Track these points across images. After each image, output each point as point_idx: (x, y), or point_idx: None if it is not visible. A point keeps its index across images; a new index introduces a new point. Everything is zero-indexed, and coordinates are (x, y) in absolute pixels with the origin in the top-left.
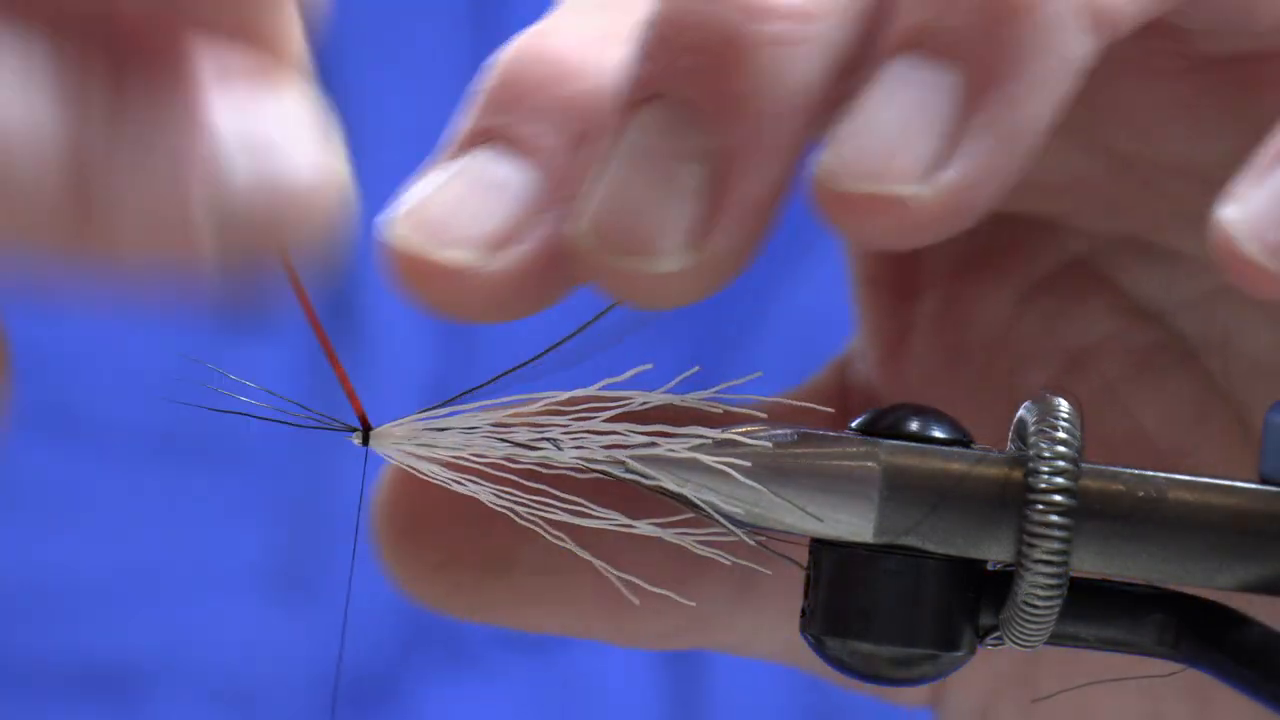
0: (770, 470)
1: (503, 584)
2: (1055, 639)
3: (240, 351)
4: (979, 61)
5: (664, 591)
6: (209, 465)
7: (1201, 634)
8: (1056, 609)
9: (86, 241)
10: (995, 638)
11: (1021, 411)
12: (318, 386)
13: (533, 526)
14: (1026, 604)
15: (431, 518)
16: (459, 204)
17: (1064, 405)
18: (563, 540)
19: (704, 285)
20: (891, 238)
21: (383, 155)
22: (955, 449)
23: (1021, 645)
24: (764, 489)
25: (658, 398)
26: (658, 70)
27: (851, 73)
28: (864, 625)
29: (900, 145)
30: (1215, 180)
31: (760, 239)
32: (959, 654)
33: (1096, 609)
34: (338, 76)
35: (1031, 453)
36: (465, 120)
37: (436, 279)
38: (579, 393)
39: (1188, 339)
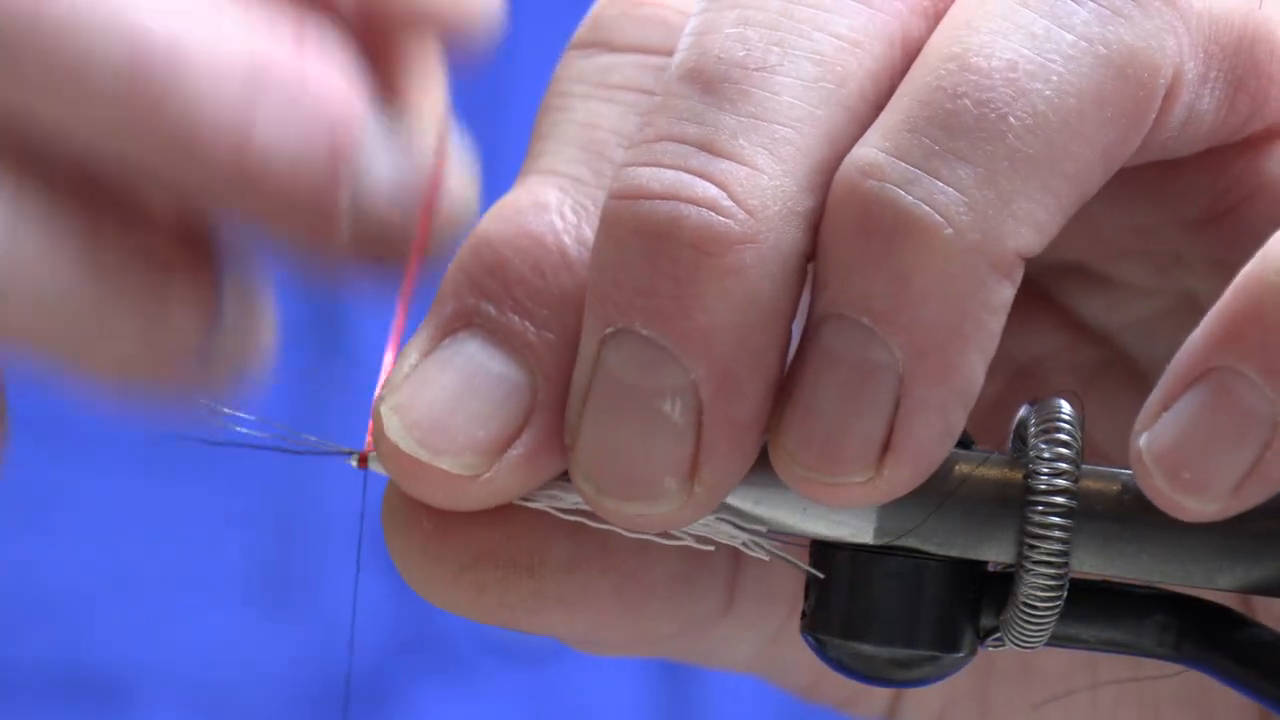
0: (771, 473)
1: (530, 585)
2: (1056, 640)
3: None
4: (908, 341)
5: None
6: (195, 472)
7: (1203, 635)
8: (1057, 610)
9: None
10: (996, 639)
11: (1022, 413)
12: (296, 392)
13: (578, 520)
14: (1027, 605)
15: (453, 521)
16: (453, 405)
17: (1064, 407)
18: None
19: (703, 510)
20: (855, 504)
21: None
22: (956, 450)
23: (1022, 646)
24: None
25: None
26: (619, 309)
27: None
28: (865, 626)
29: (844, 435)
30: (1149, 226)
31: (753, 452)
32: (960, 655)
33: (1097, 610)
34: None
35: (1032, 454)
36: (451, 295)
37: (433, 483)
38: None
39: (1134, 359)
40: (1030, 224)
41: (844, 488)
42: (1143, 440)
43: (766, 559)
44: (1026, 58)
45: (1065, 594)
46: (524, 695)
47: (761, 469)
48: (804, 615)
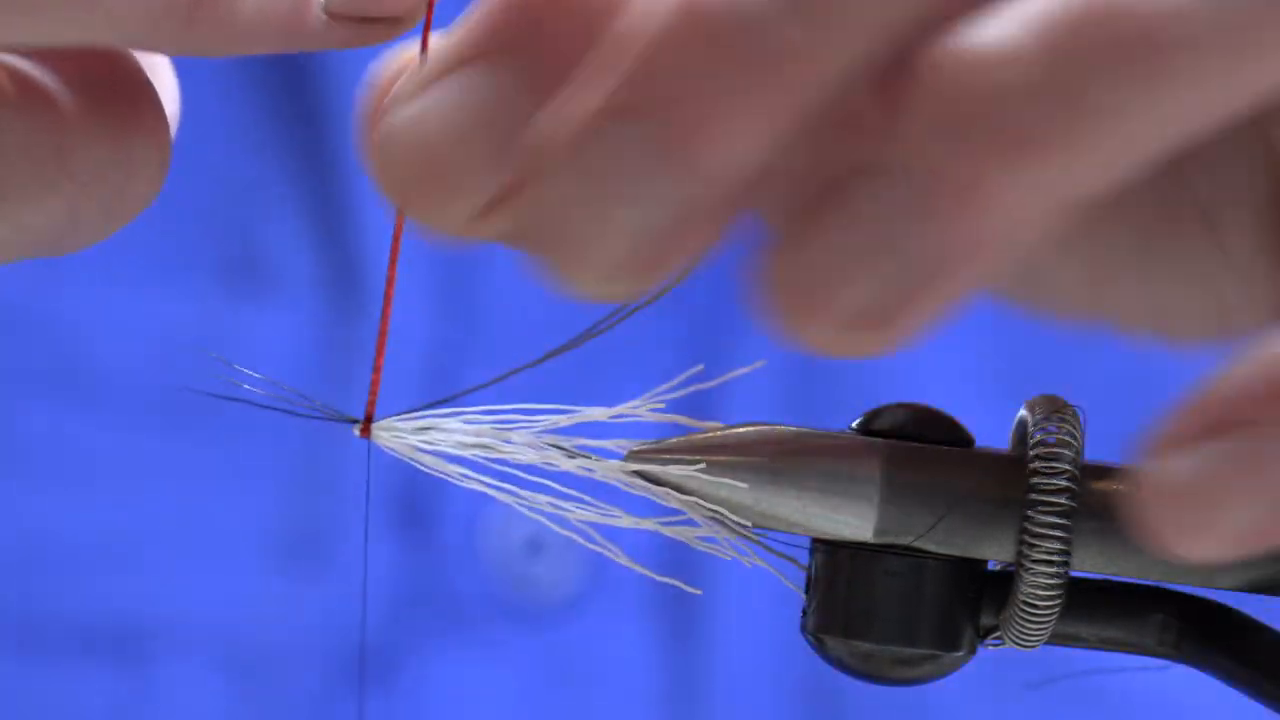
0: (770, 470)
1: None
2: (1056, 639)
3: (244, 316)
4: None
5: None
6: (217, 429)
7: (1202, 634)
8: (1057, 609)
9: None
10: (996, 637)
11: (1022, 411)
12: (319, 353)
13: (539, 517)
14: (1027, 604)
15: None
16: (457, 132)
17: (1065, 406)
18: (579, 539)
19: (632, 294)
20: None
21: None
22: (955, 449)
23: (1022, 645)
24: (763, 494)
25: (669, 419)
26: (647, 97)
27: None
28: (864, 625)
29: (837, 291)
30: None
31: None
32: (959, 654)
33: (1097, 609)
34: (328, 67)
35: (1032, 453)
36: (474, 23)
37: (423, 206)
38: (589, 411)
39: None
40: (1126, 169)
41: (808, 328)
42: (1156, 472)
43: (766, 565)
44: None
45: (1065, 593)
46: (534, 655)
47: (761, 467)
48: (804, 614)
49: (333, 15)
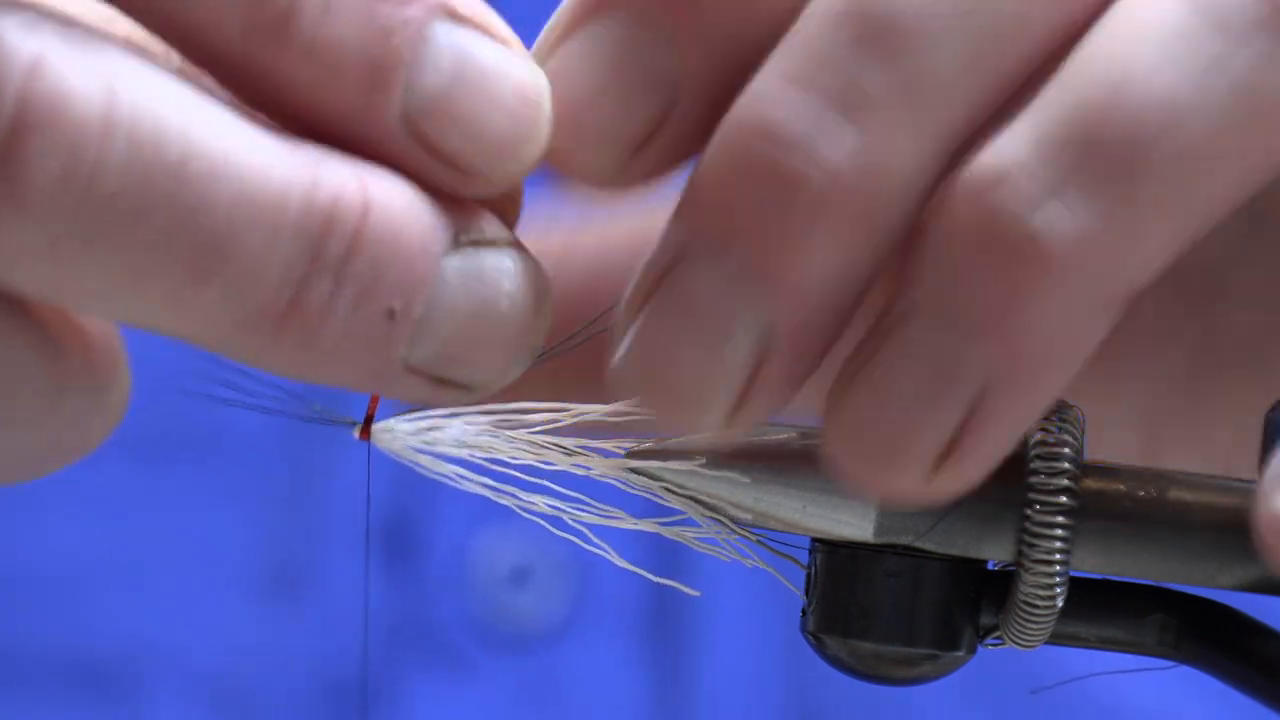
0: (771, 470)
1: None
2: (1056, 638)
3: None
4: (1006, 358)
5: None
6: (199, 460)
7: (1202, 634)
8: (1057, 609)
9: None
10: (996, 637)
11: None
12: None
13: (536, 519)
14: (1027, 604)
15: None
16: (596, 93)
17: (1065, 406)
18: (576, 540)
19: (729, 432)
20: (896, 500)
21: None
22: None
23: (1022, 645)
24: (763, 495)
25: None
26: (721, 230)
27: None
28: (864, 625)
29: (913, 431)
30: None
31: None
32: (959, 654)
33: (1097, 608)
34: None
35: (1031, 453)
36: None
37: (569, 170)
38: (590, 409)
39: None
40: (1151, 266)
41: (894, 483)
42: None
43: (766, 567)
44: (1186, 94)
45: (1065, 593)
46: (516, 683)
47: (762, 467)
48: (804, 613)
49: (410, 368)
